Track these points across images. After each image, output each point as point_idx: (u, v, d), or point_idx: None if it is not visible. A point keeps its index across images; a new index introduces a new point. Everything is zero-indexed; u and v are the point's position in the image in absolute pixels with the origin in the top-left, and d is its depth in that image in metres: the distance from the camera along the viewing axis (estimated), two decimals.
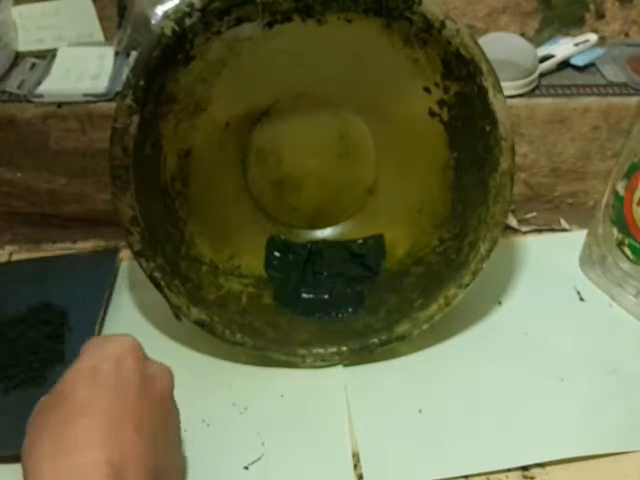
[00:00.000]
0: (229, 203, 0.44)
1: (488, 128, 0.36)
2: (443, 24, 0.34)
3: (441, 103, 0.39)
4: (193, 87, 0.38)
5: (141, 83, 0.34)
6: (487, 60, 0.35)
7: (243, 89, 0.41)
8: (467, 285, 0.38)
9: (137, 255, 0.36)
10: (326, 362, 0.39)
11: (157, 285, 0.37)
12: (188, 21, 0.33)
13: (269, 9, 0.35)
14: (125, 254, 0.48)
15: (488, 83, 0.35)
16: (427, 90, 0.39)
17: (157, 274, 0.37)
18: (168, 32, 0.33)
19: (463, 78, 0.36)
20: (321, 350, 0.39)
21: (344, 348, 0.39)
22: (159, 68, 0.34)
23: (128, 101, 0.34)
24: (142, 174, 0.36)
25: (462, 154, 0.40)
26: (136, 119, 0.34)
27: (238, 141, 0.43)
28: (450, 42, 0.34)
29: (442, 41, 0.35)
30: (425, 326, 0.39)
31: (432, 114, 0.40)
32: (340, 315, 0.42)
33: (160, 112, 0.37)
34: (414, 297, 0.40)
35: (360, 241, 0.46)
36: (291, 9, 0.35)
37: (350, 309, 0.42)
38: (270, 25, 0.36)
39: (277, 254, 0.45)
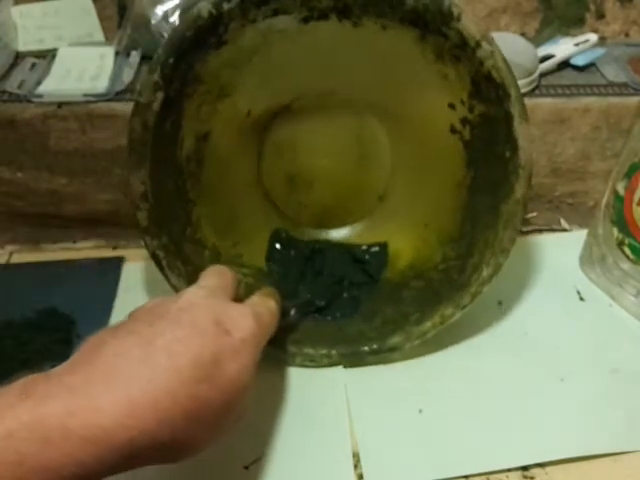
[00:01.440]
0: (240, 191, 0.44)
1: (508, 154, 0.35)
2: (478, 44, 0.34)
3: (464, 121, 0.39)
4: (221, 71, 0.37)
5: (170, 61, 0.34)
6: (517, 86, 0.34)
7: (269, 80, 0.40)
8: (465, 306, 0.38)
9: (143, 232, 0.36)
10: (315, 363, 0.39)
11: (158, 264, 0.37)
12: (226, 6, 0.33)
13: (307, 4, 0.35)
14: (127, 253, 0.48)
15: (515, 110, 0.34)
16: (452, 106, 0.38)
17: (160, 252, 0.37)
18: (205, 14, 0.33)
19: (490, 100, 0.36)
20: (311, 351, 0.39)
21: (334, 352, 0.39)
22: (190, 48, 0.34)
23: (155, 77, 0.34)
24: (158, 151, 0.36)
25: (478, 175, 0.39)
26: (160, 95, 0.34)
27: (257, 131, 0.43)
28: (483, 63, 0.34)
29: (475, 61, 0.34)
30: (417, 341, 0.39)
31: (453, 131, 0.40)
32: (334, 317, 0.42)
33: (185, 92, 0.36)
34: (411, 311, 0.40)
35: (364, 247, 0.46)
36: (329, 7, 0.35)
37: (345, 313, 0.42)
38: (306, 20, 0.36)
39: (279, 247, 0.45)
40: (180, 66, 0.35)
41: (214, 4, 0.33)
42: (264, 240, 0.45)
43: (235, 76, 0.39)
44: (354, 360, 0.39)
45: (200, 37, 0.34)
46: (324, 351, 0.39)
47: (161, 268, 0.37)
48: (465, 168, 0.40)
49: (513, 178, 0.36)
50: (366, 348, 0.39)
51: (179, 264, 0.37)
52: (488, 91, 0.35)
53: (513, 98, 0.34)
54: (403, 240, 0.44)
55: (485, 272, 0.37)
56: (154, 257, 0.37)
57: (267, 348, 0.38)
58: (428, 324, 0.38)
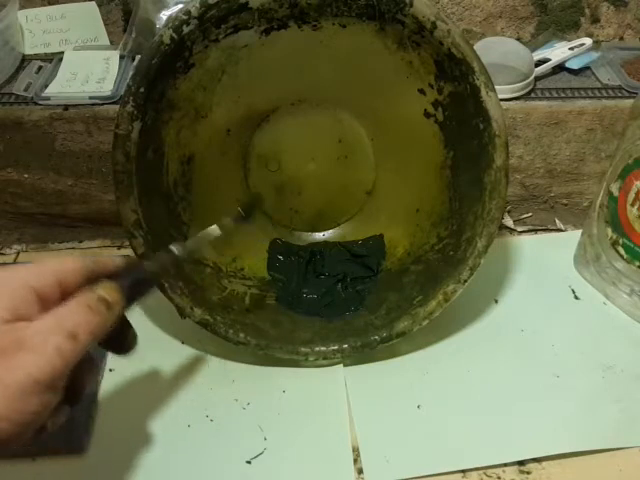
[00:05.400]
0: (231, 207, 0.45)
1: (482, 126, 0.36)
2: (434, 25, 0.35)
3: (436, 104, 0.40)
4: (193, 94, 0.39)
5: (141, 90, 0.34)
6: (478, 59, 0.36)
7: (242, 96, 0.41)
8: (466, 281, 0.38)
9: (141, 258, 0.37)
10: (328, 360, 0.40)
11: (161, 287, 0.37)
12: (186, 29, 0.34)
13: (265, 16, 0.36)
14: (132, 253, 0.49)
15: (480, 81, 0.35)
16: (422, 92, 0.40)
17: None
18: (167, 40, 0.34)
19: (456, 78, 0.37)
20: (323, 348, 0.40)
21: (345, 346, 0.40)
22: (159, 75, 0.35)
23: (129, 108, 0.35)
24: (145, 179, 0.37)
25: (458, 153, 0.41)
26: (137, 125, 0.35)
27: (239, 147, 0.44)
28: (442, 43, 0.35)
29: (434, 42, 0.36)
30: (425, 322, 0.39)
31: (427, 115, 0.41)
32: (341, 314, 0.43)
33: (161, 119, 0.37)
34: (414, 294, 0.41)
35: (360, 242, 0.46)
36: (286, 16, 0.36)
37: (351, 308, 0.43)
38: (267, 32, 0.37)
39: (280, 257, 0.46)
40: (152, 94, 0.35)
41: (174, 28, 0.34)
42: (263, 250, 0.46)
43: (208, 97, 0.40)
44: (366, 351, 0.40)
45: (167, 63, 0.35)
46: (335, 346, 0.40)
47: (163, 290, 0.37)
48: (444, 149, 0.41)
49: (490, 148, 0.36)
50: (376, 337, 0.39)
51: (181, 285, 0.38)
52: (452, 69, 0.36)
53: (477, 71, 0.35)
54: (397, 229, 0.45)
55: (479, 244, 0.38)
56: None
57: (278, 351, 0.39)
58: (433, 303, 0.39)
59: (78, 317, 0.24)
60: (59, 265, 0.25)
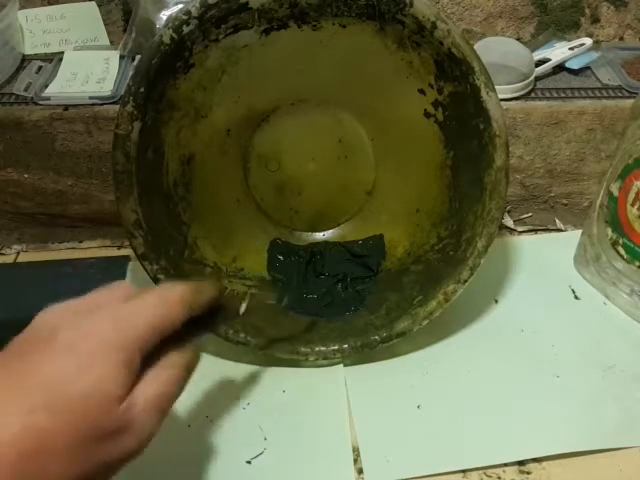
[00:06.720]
0: (231, 207, 0.45)
1: (482, 126, 0.37)
2: (434, 25, 0.35)
3: (436, 104, 0.40)
4: (193, 94, 0.39)
5: (142, 90, 0.35)
6: (479, 59, 0.36)
7: (242, 96, 0.41)
8: (466, 281, 0.38)
9: (141, 258, 0.37)
10: (328, 360, 0.40)
11: None
12: (186, 29, 0.34)
13: (265, 16, 0.36)
14: (132, 253, 0.49)
15: (480, 81, 0.35)
16: (422, 92, 0.40)
17: (161, 276, 0.37)
18: (167, 40, 0.34)
19: (456, 78, 0.37)
20: (323, 348, 0.40)
21: (345, 346, 0.40)
22: (159, 75, 0.35)
23: (129, 108, 0.35)
24: (145, 179, 0.37)
25: (458, 153, 0.41)
26: (137, 125, 0.35)
27: (239, 147, 0.44)
28: (442, 43, 0.35)
29: (434, 42, 0.36)
30: (425, 322, 0.39)
31: (427, 115, 0.41)
32: (341, 314, 0.43)
33: (161, 119, 0.37)
34: (414, 294, 0.41)
35: (360, 242, 0.47)
36: (286, 16, 0.36)
37: (351, 308, 0.43)
38: (267, 32, 0.37)
39: (280, 257, 0.46)
40: (152, 94, 0.35)
41: (174, 28, 0.34)
42: (263, 250, 0.46)
43: (208, 97, 0.40)
44: (366, 351, 0.40)
45: (167, 63, 0.35)
46: (335, 346, 0.40)
47: None
48: (444, 149, 0.41)
49: (491, 148, 0.37)
50: (376, 337, 0.39)
51: None
52: (452, 69, 0.36)
53: (477, 71, 0.35)
54: (397, 229, 0.46)
55: (479, 244, 0.38)
56: (155, 281, 0.38)
57: (278, 351, 0.39)
58: (433, 303, 0.39)
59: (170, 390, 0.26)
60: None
